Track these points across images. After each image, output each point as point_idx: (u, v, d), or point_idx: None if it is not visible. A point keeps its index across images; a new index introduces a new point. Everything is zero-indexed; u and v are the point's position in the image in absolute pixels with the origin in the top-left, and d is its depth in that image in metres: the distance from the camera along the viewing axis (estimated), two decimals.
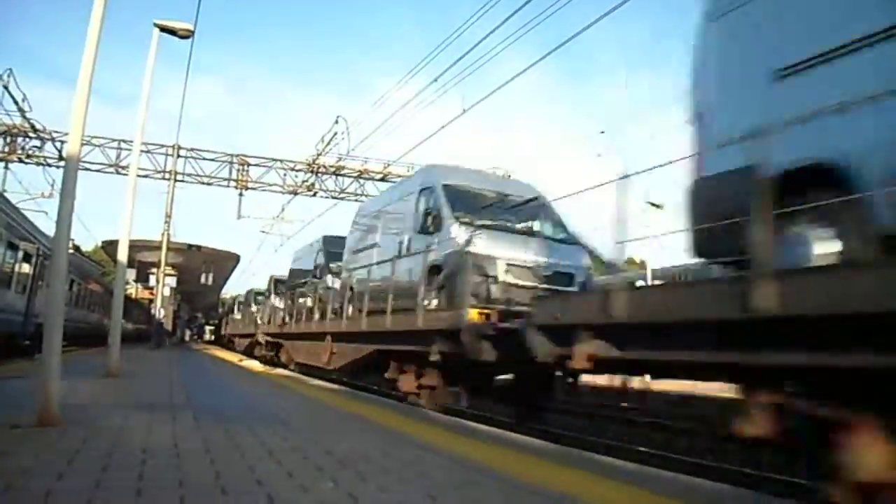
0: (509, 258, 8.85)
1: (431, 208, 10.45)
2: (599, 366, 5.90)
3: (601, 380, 14.10)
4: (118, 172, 26.14)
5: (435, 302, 9.45)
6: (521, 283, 8.57)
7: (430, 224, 10.32)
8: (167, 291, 28.51)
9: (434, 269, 9.62)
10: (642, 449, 9.23)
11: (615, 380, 14.53)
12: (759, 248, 4.02)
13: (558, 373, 7.95)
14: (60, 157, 24.78)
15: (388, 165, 27.95)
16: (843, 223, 4.29)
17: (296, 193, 28.78)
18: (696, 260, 5.84)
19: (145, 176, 25.94)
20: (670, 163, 5.42)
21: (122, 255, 11.78)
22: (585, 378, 9.61)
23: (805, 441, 4.25)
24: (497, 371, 9.19)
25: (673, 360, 5.04)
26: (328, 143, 26.36)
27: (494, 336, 7.47)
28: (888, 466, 3.58)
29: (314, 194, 28.97)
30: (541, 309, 6.61)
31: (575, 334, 5.71)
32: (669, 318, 4.79)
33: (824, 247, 4.45)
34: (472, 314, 7.90)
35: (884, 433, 3.61)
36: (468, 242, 8.82)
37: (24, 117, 24.66)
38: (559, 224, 10.53)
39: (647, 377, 11.17)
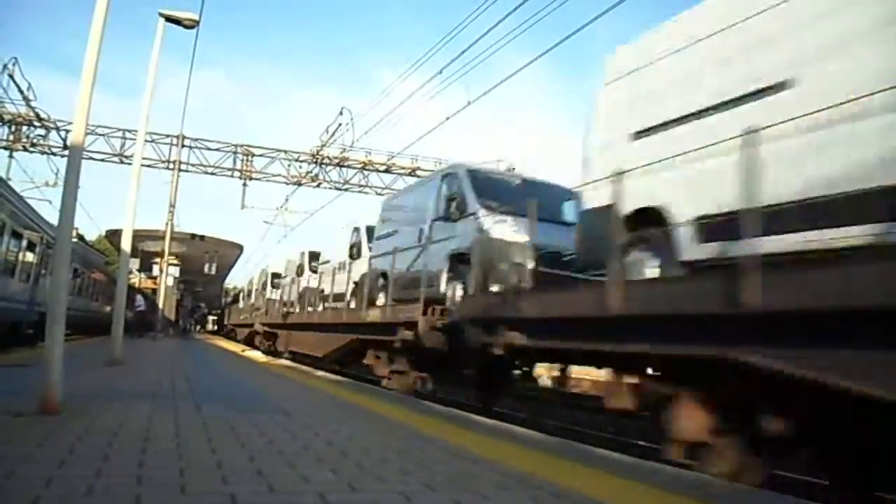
0: (541, 245, 8.34)
1: (455, 194, 10.18)
2: (515, 353, 7.24)
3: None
4: (122, 162, 26.20)
5: (460, 290, 9.35)
6: (549, 270, 8.21)
7: (453, 210, 10.05)
8: (170, 281, 28.55)
9: (457, 257, 9.54)
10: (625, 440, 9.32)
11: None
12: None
13: (517, 363, 9.03)
14: (65, 146, 24.83)
15: (392, 157, 27.99)
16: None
17: (299, 184, 28.82)
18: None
19: (149, 166, 25.99)
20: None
21: (126, 244, 11.83)
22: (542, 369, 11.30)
23: (654, 411, 5.46)
24: (462, 362, 9.63)
25: (561, 348, 6.51)
26: (332, 135, 26.40)
27: (443, 328, 8.80)
28: (701, 430, 4.88)
29: (318, 185, 29.03)
30: (470, 305, 8.02)
31: (496, 327, 6.99)
32: (559, 314, 6.15)
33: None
34: (425, 310, 9.20)
35: (700, 405, 4.89)
36: (493, 229, 8.94)
37: (28, 106, 24.76)
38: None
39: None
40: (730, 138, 4.60)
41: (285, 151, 28.97)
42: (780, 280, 3.96)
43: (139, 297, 30.32)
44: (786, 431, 4.33)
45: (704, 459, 4.91)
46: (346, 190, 29.16)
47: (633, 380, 5.70)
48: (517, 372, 9.85)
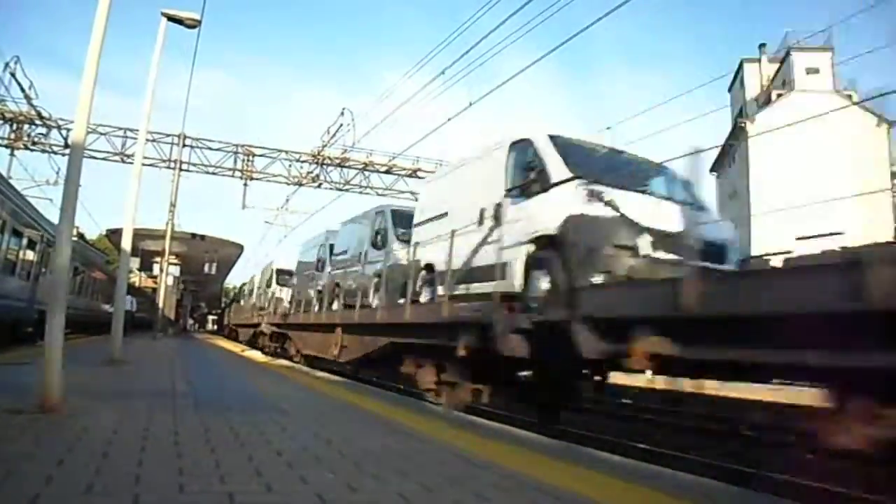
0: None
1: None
2: (663, 366, 5.37)
3: (636, 380, 12.84)
4: (123, 161, 26.19)
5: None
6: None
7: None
8: (171, 280, 28.55)
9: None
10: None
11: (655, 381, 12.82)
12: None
13: (584, 370, 7.40)
14: (66, 145, 24.85)
15: (394, 158, 27.97)
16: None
17: (300, 184, 28.80)
18: None
19: (150, 165, 25.97)
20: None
21: (126, 243, 11.82)
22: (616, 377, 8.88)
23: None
24: (519, 366, 8.01)
25: (756, 361, 4.54)
26: (333, 135, 26.39)
27: (530, 330, 6.80)
28: None
29: (319, 186, 29.01)
30: (589, 300, 6.01)
31: (632, 329, 5.19)
32: (745, 311, 4.44)
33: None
34: (504, 308, 7.22)
35: None
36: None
37: (30, 104, 24.75)
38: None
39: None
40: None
41: (286, 151, 28.98)
42: None
43: (128, 298, 30.16)
44: None
45: None
46: (346, 190, 29.16)
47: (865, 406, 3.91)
48: (597, 378, 7.93)
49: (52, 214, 18.11)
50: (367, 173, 29.17)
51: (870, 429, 3.80)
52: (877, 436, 3.77)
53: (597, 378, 7.85)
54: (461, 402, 8.76)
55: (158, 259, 26.91)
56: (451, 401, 8.81)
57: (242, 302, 37.50)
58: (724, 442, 9.45)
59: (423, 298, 10.24)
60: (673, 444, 8.89)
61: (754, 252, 13.91)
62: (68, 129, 24.68)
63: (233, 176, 28.55)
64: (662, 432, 10.18)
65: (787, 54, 39.78)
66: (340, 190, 29.03)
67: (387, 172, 29.04)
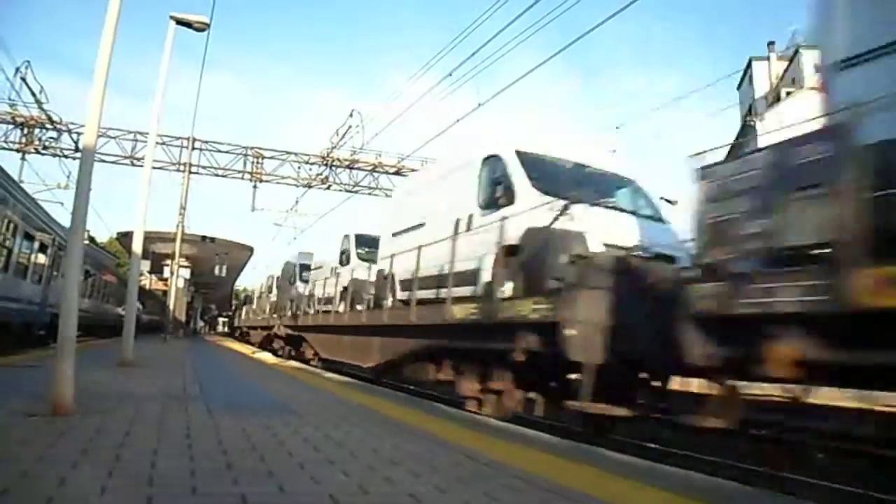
0: (604, 237, 7.18)
1: (501, 178, 8.82)
2: (811, 374, 4.56)
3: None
4: (133, 164, 26.37)
5: (510, 287, 7.80)
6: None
7: (500, 197, 8.70)
8: (181, 283, 28.66)
9: (509, 250, 8.06)
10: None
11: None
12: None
13: (643, 374, 6.92)
14: (76, 149, 25.03)
15: (403, 159, 28.02)
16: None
17: (310, 186, 28.89)
18: None
19: (160, 168, 26.16)
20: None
21: (137, 246, 11.88)
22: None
23: None
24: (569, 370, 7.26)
25: None
26: (342, 137, 26.45)
27: (622, 329, 6.05)
28: None
29: (328, 187, 29.09)
30: (698, 292, 5.11)
31: (763, 328, 4.55)
32: None
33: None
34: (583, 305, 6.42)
35: None
36: (557, 217, 7.36)
37: (40, 109, 24.93)
38: (648, 199, 8.98)
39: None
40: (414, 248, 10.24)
41: (295, 154, 29.08)
42: None
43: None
44: None
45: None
46: (356, 192, 29.23)
47: None
48: (656, 383, 7.33)
49: (64, 218, 18.23)
50: (376, 175, 29.24)
51: None
52: None
53: (655, 384, 7.23)
54: (509, 411, 8.11)
55: (169, 262, 27.02)
56: (498, 411, 8.18)
57: (255, 303, 37.54)
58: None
59: (388, 304, 11.14)
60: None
61: None
62: (79, 133, 24.84)
63: (242, 178, 28.70)
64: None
65: (797, 52, 39.57)
66: (350, 192, 29.12)
67: (396, 174, 29.05)
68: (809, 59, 38.70)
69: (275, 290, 30.02)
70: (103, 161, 25.74)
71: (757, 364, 4.55)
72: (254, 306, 37.37)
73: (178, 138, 27.48)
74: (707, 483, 4.21)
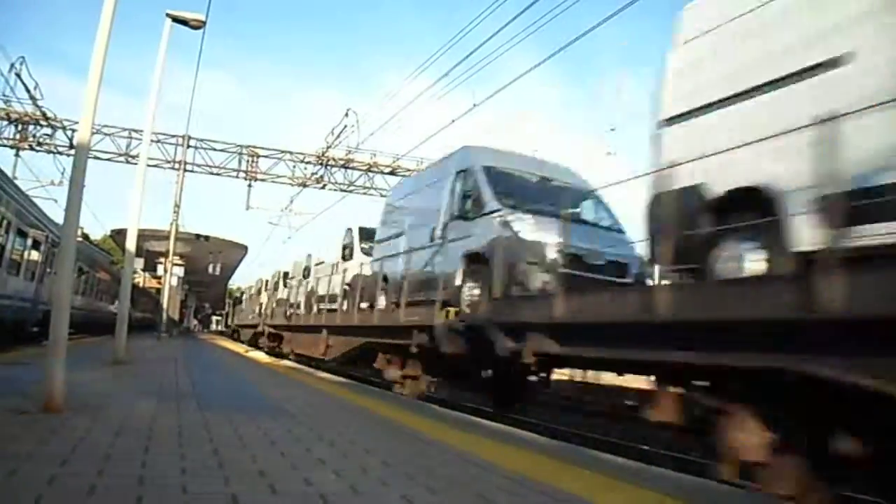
0: (559, 244, 7.82)
1: (470, 191, 9.68)
2: (546, 361, 6.91)
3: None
4: (128, 161, 26.26)
5: (476, 291, 8.84)
6: (572, 271, 7.54)
7: (468, 208, 9.57)
8: (175, 281, 28.58)
9: (473, 257, 9.06)
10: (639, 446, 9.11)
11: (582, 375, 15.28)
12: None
13: (533, 368, 8.01)
14: (71, 146, 24.90)
15: (398, 159, 28.00)
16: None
17: (305, 185, 28.82)
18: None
19: (155, 165, 26.01)
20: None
21: (131, 243, 11.85)
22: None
23: (702, 426, 4.93)
24: (480, 367, 9.39)
25: (599, 357, 5.96)
26: (338, 136, 26.40)
27: (463, 331, 8.12)
28: (760, 448, 4.40)
29: (323, 187, 29.01)
30: (499, 309, 7.42)
31: (524, 332, 6.61)
32: (597, 318, 5.71)
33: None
34: (444, 313, 8.68)
35: (757, 421, 4.42)
36: (511, 227, 8.45)
37: (35, 105, 24.78)
38: (606, 211, 9.87)
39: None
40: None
41: (290, 153, 28.99)
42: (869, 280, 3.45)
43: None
44: (857, 450, 3.85)
45: (763, 480, 4.41)
46: (350, 192, 29.16)
47: (679, 391, 5.24)
48: (534, 377, 9.14)
49: (57, 215, 18.16)
50: (371, 174, 29.17)
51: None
52: None
53: (542, 375, 8.94)
54: (421, 392, 10.84)
55: (162, 259, 26.96)
56: (413, 391, 10.78)
57: (244, 305, 37.68)
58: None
59: (380, 304, 12.14)
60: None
61: None
62: (73, 130, 24.75)
63: (237, 177, 28.59)
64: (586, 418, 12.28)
65: None
66: (345, 191, 29.03)
67: (391, 174, 29.01)
68: None
69: (263, 293, 30.33)
70: (97, 158, 25.63)
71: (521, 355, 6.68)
72: (243, 306, 37.78)
73: (173, 136, 27.38)
74: (696, 484, 4.22)
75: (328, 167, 28.64)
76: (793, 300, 3.80)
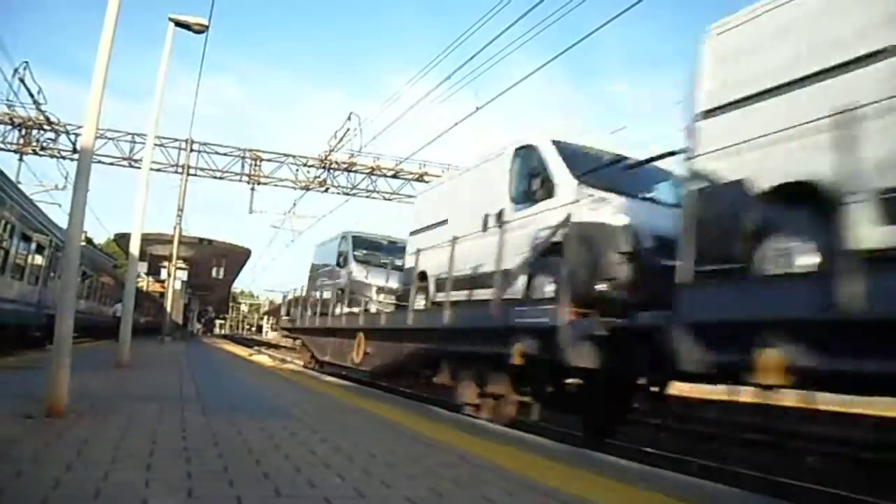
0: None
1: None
2: (802, 381, 4.59)
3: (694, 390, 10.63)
4: (131, 166, 26.31)
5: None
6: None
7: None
8: (178, 285, 28.61)
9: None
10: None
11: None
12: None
13: (640, 380, 6.92)
14: (74, 150, 24.95)
15: (400, 162, 27.97)
16: (819, 237, 4.60)
17: (308, 189, 28.83)
18: None
19: (158, 170, 26.03)
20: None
21: (134, 248, 11.85)
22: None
23: None
24: (605, 383, 7.24)
25: None
26: (340, 139, 26.41)
27: (603, 337, 6.14)
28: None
29: (326, 190, 29.04)
30: (691, 301, 5.15)
31: (756, 336, 4.48)
32: None
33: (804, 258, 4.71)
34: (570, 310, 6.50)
35: None
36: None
37: (39, 110, 24.87)
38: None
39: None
40: None
41: (293, 156, 29.03)
42: None
43: (118, 305, 30.12)
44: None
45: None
46: (353, 195, 29.19)
47: None
48: (655, 388, 7.30)
49: (61, 219, 18.19)
50: (374, 177, 29.19)
51: None
52: None
53: (654, 389, 7.22)
54: (507, 416, 7.92)
55: (166, 263, 26.98)
56: (496, 416, 8.04)
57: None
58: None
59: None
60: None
61: None
62: (77, 135, 24.80)
63: (240, 180, 28.64)
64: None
65: None
66: (348, 194, 29.06)
67: (394, 177, 29.02)
68: None
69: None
70: (101, 162, 25.68)
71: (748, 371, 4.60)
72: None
73: (176, 140, 27.42)
74: (703, 487, 4.21)
75: (331, 170, 28.67)
76: None
